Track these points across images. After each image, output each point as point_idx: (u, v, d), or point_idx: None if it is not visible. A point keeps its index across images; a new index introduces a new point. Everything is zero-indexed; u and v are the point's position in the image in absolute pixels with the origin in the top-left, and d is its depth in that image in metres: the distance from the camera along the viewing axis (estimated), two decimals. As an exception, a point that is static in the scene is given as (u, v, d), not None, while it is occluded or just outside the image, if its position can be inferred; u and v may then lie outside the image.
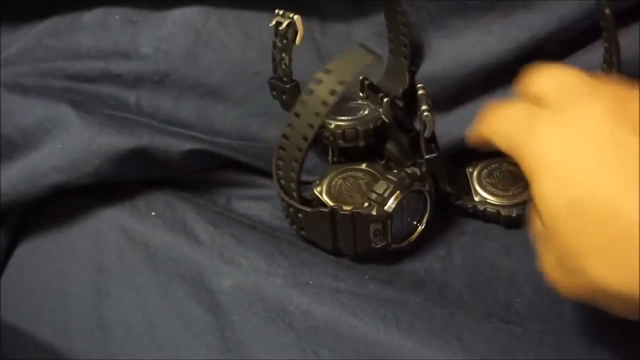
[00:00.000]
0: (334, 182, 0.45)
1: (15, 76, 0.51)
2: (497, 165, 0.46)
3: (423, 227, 0.43)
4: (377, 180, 0.42)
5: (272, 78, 0.46)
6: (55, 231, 0.47)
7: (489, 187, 0.45)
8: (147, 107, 0.50)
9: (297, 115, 0.38)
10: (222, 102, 0.50)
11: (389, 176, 0.41)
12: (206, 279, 0.42)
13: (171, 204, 0.47)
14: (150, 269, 0.43)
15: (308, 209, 0.41)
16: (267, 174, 0.49)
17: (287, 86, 0.45)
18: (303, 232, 0.43)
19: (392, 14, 0.46)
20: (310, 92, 0.37)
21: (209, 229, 0.44)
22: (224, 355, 0.39)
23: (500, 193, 0.44)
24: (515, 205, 0.44)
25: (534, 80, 0.33)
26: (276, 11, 0.42)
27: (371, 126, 0.44)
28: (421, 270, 0.42)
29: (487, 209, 0.44)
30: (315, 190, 0.45)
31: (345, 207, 0.41)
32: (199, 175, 0.50)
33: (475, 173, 0.46)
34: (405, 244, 0.42)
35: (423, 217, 0.42)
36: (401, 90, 0.47)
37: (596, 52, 0.42)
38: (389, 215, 0.40)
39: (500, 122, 0.34)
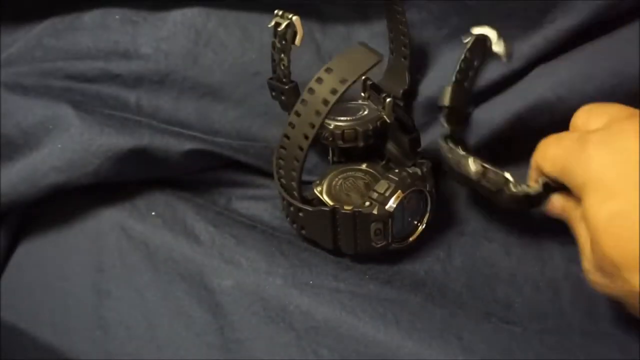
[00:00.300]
0: (334, 182, 0.45)
1: (16, 76, 0.51)
2: None
3: (423, 227, 0.43)
4: (377, 181, 0.42)
5: (271, 79, 0.46)
6: (55, 231, 0.47)
7: None
8: (147, 107, 0.50)
9: (298, 114, 0.38)
10: (222, 102, 0.50)
11: (390, 176, 0.41)
12: (206, 279, 0.42)
13: (171, 204, 0.47)
14: (150, 268, 0.43)
15: (309, 208, 0.41)
16: (267, 174, 0.49)
17: (286, 87, 0.45)
18: (304, 232, 0.43)
19: (392, 14, 0.46)
20: (311, 91, 0.37)
21: (209, 229, 0.44)
22: (224, 355, 0.39)
23: None
24: None
25: (581, 114, 0.36)
26: (275, 12, 0.42)
27: (370, 127, 0.44)
28: (421, 270, 0.43)
29: None
30: (315, 190, 0.45)
31: (345, 207, 0.41)
32: (199, 175, 0.50)
33: None
34: (405, 243, 0.42)
35: (423, 217, 0.42)
36: (401, 91, 0.47)
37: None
38: (390, 214, 0.40)
39: (552, 147, 0.36)
